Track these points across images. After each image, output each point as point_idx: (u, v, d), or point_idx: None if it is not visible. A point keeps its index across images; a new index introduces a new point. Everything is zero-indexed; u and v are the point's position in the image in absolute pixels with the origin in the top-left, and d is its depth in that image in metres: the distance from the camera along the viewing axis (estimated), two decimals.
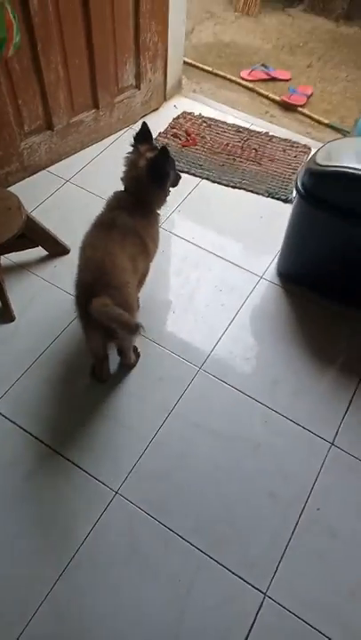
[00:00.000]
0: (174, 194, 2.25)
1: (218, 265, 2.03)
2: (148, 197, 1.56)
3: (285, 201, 2.28)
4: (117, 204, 1.55)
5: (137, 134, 1.57)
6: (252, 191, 2.32)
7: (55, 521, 1.40)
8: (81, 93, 2.23)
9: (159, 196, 1.59)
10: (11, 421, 1.56)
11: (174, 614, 1.27)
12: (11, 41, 1.71)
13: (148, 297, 1.90)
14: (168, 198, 1.64)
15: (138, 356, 1.72)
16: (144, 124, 1.58)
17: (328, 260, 1.79)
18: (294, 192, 1.73)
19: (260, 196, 2.31)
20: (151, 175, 1.50)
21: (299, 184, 1.65)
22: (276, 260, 2.05)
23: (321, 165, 1.57)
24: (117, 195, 1.58)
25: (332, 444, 1.58)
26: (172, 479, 1.48)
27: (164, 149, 1.47)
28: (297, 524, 1.42)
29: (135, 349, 1.71)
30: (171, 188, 1.63)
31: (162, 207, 1.63)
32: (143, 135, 1.57)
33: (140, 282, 1.63)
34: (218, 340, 1.80)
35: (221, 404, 1.66)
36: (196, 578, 1.33)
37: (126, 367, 1.70)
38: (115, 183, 2.33)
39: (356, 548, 1.39)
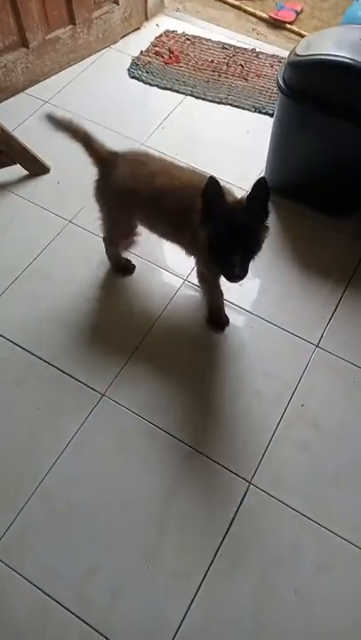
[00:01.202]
0: (157, 110, 2.21)
1: None
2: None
3: (272, 115, 2.19)
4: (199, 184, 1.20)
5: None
6: (238, 106, 2.24)
7: (43, 422, 1.42)
8: (55, 6, 2.12)
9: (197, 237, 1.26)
10: None
11: (161, 501, 1.31)
12: None
13: None
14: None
15: (128, 269, 1.72)
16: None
17: (313, 164, 1.74)
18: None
19: (247, 112, 2.23)
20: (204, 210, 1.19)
21: (280, 80, 1.59)
22: (262, 173, 2.00)
23: (300, 56, 1.50)
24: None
25: (317, 345, 1.58)
26: (157, 381, 1.50)
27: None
28: (281, 418, 1.44)
29: (129, 262, 1.73)
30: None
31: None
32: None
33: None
34: None
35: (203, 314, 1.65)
36: (181, 469, 1.36)
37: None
38: (95, 103, 2.25)
39: (339, 440, 1.42)
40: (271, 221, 1.90)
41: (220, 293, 1.56)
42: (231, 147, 2.09)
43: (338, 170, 1.70)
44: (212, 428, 1.43)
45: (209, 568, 1.22)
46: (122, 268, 1.71)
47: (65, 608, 1.16)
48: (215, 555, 1.24)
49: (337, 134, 1.58)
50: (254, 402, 1.47)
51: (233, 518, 1.29)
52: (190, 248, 1.45)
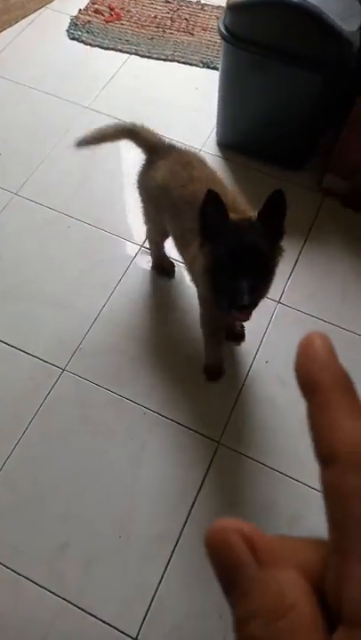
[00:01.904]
0: (100, 72, 2.10)
1: None
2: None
3: None
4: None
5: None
6: (185, 63, 2.15)
7: (1, 403, 1.37)
8: None
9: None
10: None
11: (130, 470, 1.29)
12: None
13: (81, 180, 1.79)
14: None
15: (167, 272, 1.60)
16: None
17: (263, 116, 1.69)
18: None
19: (195, 67, 2.14)
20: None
21: (221, 27, 1.51)
22: (214, 130, 1.93)
23: None
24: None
25: (279, 302, 1.56)
26: (120, 351, 1.46)
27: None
28: (247, 376, 1.43)
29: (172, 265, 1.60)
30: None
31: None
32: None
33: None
34: None
35: (163, 278, 1.61)
36: (149, 436, 1.34)
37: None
38: (35, 69, 2.12)
39: None
40: (226, 180, 1.86)
41: (220, 346, 1.37)
42: (180, 105, 2.01)
43: (288, 119, 1.65)
44: (178, 392, 1.40)
45: (182, 531, 1.21)
46: (163, 270, 1.59)
47: (38, 585, 1.14)
48: (187, 517, 1.23)
49: (284, 81, 1.52)
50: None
51: (203, 479, 1.28)
52: (190, 271, 1.26)
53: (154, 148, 1.29)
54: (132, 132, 1.30)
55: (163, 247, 1.53)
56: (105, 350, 1.46)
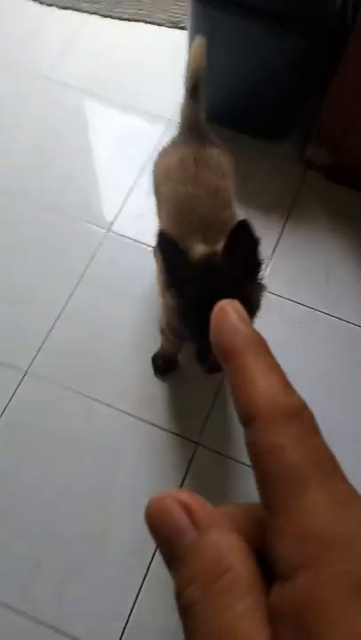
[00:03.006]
0: (58, 35, 1.91)
1: (119, 113, 1.75)
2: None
3: None
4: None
5: None
6: (151, 22, 1.96)
7: None
8: None
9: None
10: None
11: (104, 478, 1.20)
12: None
13: (37, 157, 1.63)
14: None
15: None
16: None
17: (237, 81, 1.53)
18: None
19: (163, 27, 1.95)
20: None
21: None
22: None
23: None
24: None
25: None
26: (88, 348, 1.35)
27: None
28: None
29: None
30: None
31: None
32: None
33: None
34: (127, 195, 1.58)
35: (134, 265, 1.48)
36: (123, 439, 1.24)
37: None
38: (16, 52, 1.89)
39: None
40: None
41: (176, 345, 1.23)
42: (148, 70, 1.84)
43: (266, 85, 1.50)
44: (152, 392, 1.30)
45: None
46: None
47: (11, 609, 1.06)
48: None
49: (261, 43, 1.37)
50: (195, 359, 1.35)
51: (182, 483, 1.20)
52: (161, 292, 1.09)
53: (195, 125, 1.09)
54: (197, 83, 1.08)
55: None
56: (71, 348, 1.35)
